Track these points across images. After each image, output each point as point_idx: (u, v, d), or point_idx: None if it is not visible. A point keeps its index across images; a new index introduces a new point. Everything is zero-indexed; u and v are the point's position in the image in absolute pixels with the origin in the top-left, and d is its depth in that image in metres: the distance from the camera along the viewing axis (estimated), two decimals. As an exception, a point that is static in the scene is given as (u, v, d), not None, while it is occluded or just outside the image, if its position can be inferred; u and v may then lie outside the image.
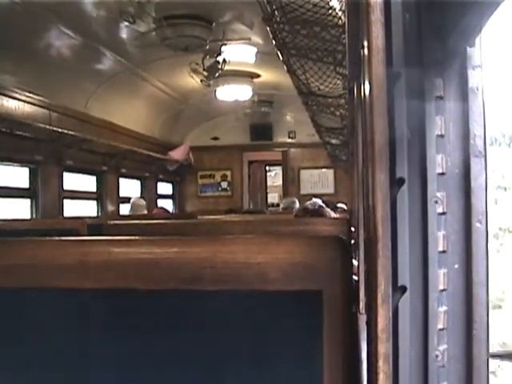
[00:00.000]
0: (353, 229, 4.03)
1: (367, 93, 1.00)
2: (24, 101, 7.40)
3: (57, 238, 1.40)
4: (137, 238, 1.36)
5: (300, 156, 13.55)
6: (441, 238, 1.02)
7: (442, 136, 1.02)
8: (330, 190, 13.24)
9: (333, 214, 4.43)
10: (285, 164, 13.80)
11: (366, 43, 1.02)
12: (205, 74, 8.69)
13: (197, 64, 8.78)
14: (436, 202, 1.01)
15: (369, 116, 0.98)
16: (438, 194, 1.02)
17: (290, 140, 13.57)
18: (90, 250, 1.33)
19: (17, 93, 7.24)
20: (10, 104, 7.16)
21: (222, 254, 1.26)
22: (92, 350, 1.33)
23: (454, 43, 1.01)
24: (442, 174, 1.02)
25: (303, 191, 13.18)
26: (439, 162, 1.02)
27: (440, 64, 1.03)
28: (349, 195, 11.67)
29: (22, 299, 1.36)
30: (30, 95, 7.47)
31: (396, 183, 0.99)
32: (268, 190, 16.62)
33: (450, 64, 1.03)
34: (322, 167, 13.39)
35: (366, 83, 1.02)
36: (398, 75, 1.01)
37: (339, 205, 9.00)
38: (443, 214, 1.02)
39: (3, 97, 7.04)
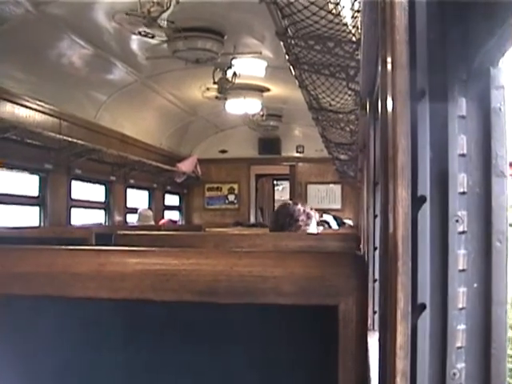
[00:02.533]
0: (360, 245, 4.02)
1: (390, 110, 1.01)
2: (35, 109, 7.44)
3: (73, 247, 1.41)
4: (154, 249, 1.37)
5: (308, 171, 13.54)
6: (461, 257, 1.02)
7: (463, 155, 1.03)
8: (337, 205, 13.20)
9: (312, 229, 3.90)
10: (292, 178, 13.78)
11: (389, 61, 1.03)
12: (215, 87, 8.74)
13: (208, 89, 8.88)
14: (457, 221, 1.02)
15: (391, 133, 0.99)
16: (459, 213, 1.02)
17: (298, 154, 13.57)
18: (107, 260, 1.34)
19: (28, 101, 7.27)
20: (21, 112, 7.20)
21: (238, 267, 1.27)
22: (106, 360, 1.33)
23: (478, 63, 1.02)
24: (464, 193, 1.02)
25: (310, 206, 13.14)
26: (461, 181, 1.02)
27: (463, 83, 1.03)
28: (356, 211, 11.67)
29: (38, 307, 1.36)
30: (41, 104, 7.51)
31: (417, 201, 1.00)
32: (275, 204, 16.61)
33: (473, 84, 1.04)
34: (329, 182, 13.36)
35: (389, 100, 1.02)
36: (422, 93, 1.01)
37: (346, 221, 9.01)
38: (464, 232, 1.02)
39: (14, 105, 7.07)
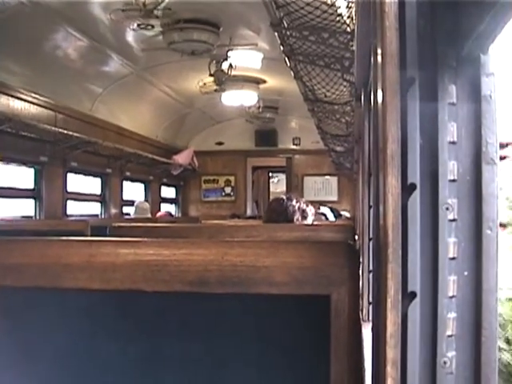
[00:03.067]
0: (356, 236, 4.02)
1: (380, 98, 1.01)
2: (30, 102, 7.42)
3: (65, 238, 1.41)
4: (145, 239, 1.36)
5: (304, 163, 13.54)
6: (451, 245, 1.02)
7: (454, 143, 1.02)
8: (334, 197, 13.20)
9: (309, 218, 3.61)
10: (289, 170, 13.79)
11: (379, 49, 1.02)
12: (212, 80, 8.75)
13: (204, 84, 8.88)
14: (447, 209, 1.01)
15: (381, 122, 0.98)
16: (449, 201, 1.02)
17: (294, 146, 13.57)
18: (98, 251, 1.33)
19: (23, 93, 7.26)
20: (16, 105, 7.18)
21: (229, 256, 1.26)
22: (98, 351, 1.33)
23: (467, 50, 1.02)
24: (454, 180, 1.02)
25: (307, 198, 13.03)
26: (451, 168, 1.02)
27: (453, 70, 1.03)
28: (352, 202, 11.68)
29: (30, 298, 1.36)
30: (36, 96, 7.49)
31: (407, 189, 1.00)
32: (271, 197, 16.61)
33: (463, 71, 1.03)
34: (325, 174, 13.38)
35: (379, 89, 1.02)
36: (412, 81, 1.01)
37: (343, 212, 9.02)
38: (454, 220, 1.02)
39: (9, 97, 7.05)
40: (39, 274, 1.33)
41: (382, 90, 0.98)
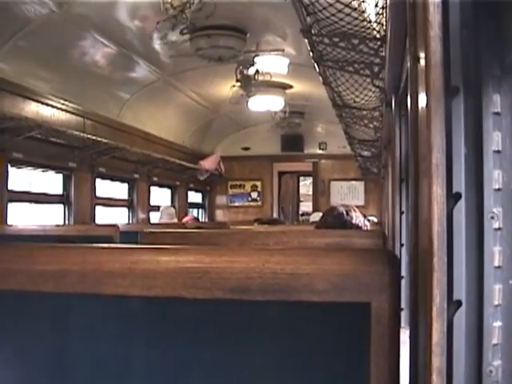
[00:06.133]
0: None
1: (424, 107, 1.01)
2: (59, 108, 7.48)
3: (105, 245, 1.42)
4: (186, 246, 1.37)
5: (330, 167, 13.52)
6: (496, 254, 1.01)
7: (498, 152, 1.03)
8: (360, 201, 13.15)
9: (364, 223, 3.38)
10: (315, 175, 13.78)
11: (422, 58, 1.03)
12: (241, 90, 8.80)
13: (233, 86, 8.91)
14: (492, 218, 1.01)
15: (425, 131, 0.99)
16: (494, 210, 1.02)
17: (320, 151, 13.56)
18: (139, 258, 1.34)
19: (52, 100, 7.32)
20: (46, 111, 7.25)
21: (270, 264, 1.27)
22: (138, 357, 1.34)
23: (511, 59, 1.02)
24: (499, 189, 1.02)
25: (333, 203, 13.11)
26: (496, 177, 1.02)
27: (497, 80, 1.03)
28: (379, 207, 11.63)
29: (70, 304, 1.37)
30: (65, 103, 7.56)
31: (452, 198, 1.00)
32: (302, 199, 16.59)
33: (507, 80, 1.03)
34: (352, 179, 13.35)
35: (422, 98, 1.02)
36: (456, 90, 1.01)
37: (370, 217, 8.98)
38: (499, 229, 1.02)
39: (39, 104, 7.12)
40: (80, 280, 1.35)
41: (427, 100, 0.99)
